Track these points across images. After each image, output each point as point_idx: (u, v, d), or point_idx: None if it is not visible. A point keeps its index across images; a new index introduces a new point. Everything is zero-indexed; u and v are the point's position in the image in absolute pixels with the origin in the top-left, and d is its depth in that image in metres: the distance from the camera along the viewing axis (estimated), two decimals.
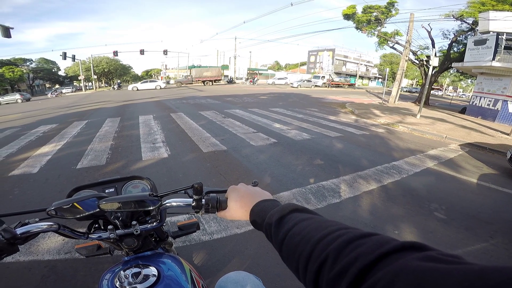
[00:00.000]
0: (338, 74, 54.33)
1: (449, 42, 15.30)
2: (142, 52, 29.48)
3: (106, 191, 0.88)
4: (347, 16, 17.42)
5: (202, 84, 34.27)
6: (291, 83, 34.49)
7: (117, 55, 31.16)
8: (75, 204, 0.67)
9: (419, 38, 37.27)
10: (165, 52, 31.19)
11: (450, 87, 53.92)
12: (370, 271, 0.27)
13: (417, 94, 20.77)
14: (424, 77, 16.10)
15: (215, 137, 5.88)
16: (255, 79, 42.61)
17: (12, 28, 11.58)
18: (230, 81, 41.04)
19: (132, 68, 50.96)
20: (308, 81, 34.55)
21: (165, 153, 4.80)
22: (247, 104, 12.45)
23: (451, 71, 22.65)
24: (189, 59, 46.80)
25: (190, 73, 36.03)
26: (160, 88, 28.39)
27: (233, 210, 0.61)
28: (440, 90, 48.28)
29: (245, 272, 0.90)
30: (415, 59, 17.10)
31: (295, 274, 0.39)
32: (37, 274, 1.97)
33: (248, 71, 57.38)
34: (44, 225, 0.65)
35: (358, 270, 0.28)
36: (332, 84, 36.85)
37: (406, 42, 14.88)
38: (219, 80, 36.76)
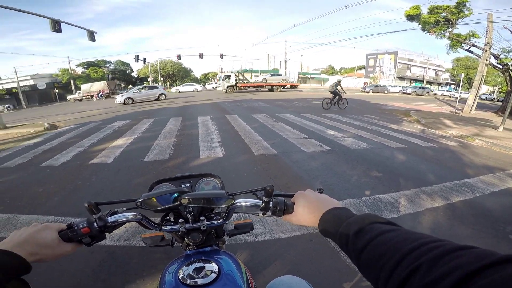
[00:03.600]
0: (401, 78, 50.09)
1: None
2: (201, 56, 31.51)
3: (183, 185, 0.95)
4: (410, 17, 15.83)
5: (91, 99, 30.30)
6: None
7: (179, 59, 33.91)
8: (153, 197, 0.73)
9: (502, 40, 31.28)
10: (221, 56, 32.78)
11: None
12: (471, 279, 0.26)
13: (500, 103, 17.88)
14: (509, 83, 13.80)
15: (266, 141, 5.97)
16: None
17: (96, 33, 12.88)
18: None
19: (192, 71, 54.91)
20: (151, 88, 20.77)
21: (221, 153, 5.06)
22: (298, 109, 12.34)
23: None
24: (242, 62, 48.22)
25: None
26: (197, 91, 34.15)
27: (300, 215, 0.62)
28: None
29: (298, 277, 0.89)
30: (497, 63, 14.74)
31: (372, 283, 0.38)
32: (97, 257, 2.14)
33: (299, 75, 56.59)
34: (130, 215, 0.70)
35: (458, 277, 0.27)
36: (242, 86, 25.81)
37: (485, 45, 12.91)
38: (107, 92, 31.74)
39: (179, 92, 34.36)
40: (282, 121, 8.64)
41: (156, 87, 21.63)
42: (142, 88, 20.81)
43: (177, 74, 53.82)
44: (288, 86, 28.01)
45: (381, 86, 35.25)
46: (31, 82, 35.86)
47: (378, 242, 0.40)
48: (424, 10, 15.16)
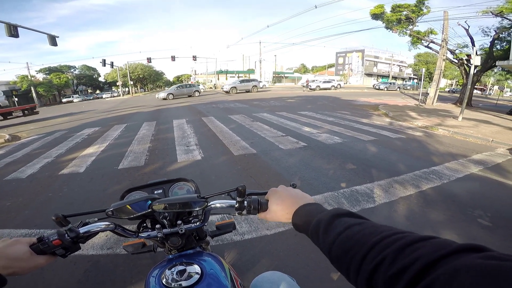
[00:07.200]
0: (369, 75, 52.38)
1: (491, 39, 14.10)
2: (173, 58, 30.76)
3: (155, 192, 0.94)
4: (375, 16, 16.72)
5: None
6: None
7: (150, 62, 32.85)
8: (127, 205, 0.73)
9: (456, 36, 33.73)
10: (194, 58, 32.29)
11: (495, 87, 49.36)
12: (431, 268, 0.28)
13: (458, 95, 19.35)
14: (464, 76, 14.98)
15: (244, 140, 5.98)
16: None
17: (58, 37, 12.05)
18: None
19: (164, 74, 53.41)
20: None
21: (199, 155, 4.98)
22: (274, 108, 12.47)
23: (496, 70, 20.81)
24: (216, 64, 47.80)
25: None
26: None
27: (274, 212, 0.63)
28: (484, 90, 44.32)
29: (280, 272, 0.91)
30: (453, 58, 15.96)
31: (344, 275, 0.40)
32: (81, 268, 2.09)
33: (274, 75, 57.11)
34: (102, 224, 0.70)
35: (419, 268, 0.29)
36: None
37: (442, 41, 13.93)
38: None
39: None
40: (260, 121, 8.69)
41: None
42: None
43: (148, 77, 52.02)
44: (17, 111, 13.79)
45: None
46: None
47: (345, 236, 0.42)
48: (388, 9, 16.05)
